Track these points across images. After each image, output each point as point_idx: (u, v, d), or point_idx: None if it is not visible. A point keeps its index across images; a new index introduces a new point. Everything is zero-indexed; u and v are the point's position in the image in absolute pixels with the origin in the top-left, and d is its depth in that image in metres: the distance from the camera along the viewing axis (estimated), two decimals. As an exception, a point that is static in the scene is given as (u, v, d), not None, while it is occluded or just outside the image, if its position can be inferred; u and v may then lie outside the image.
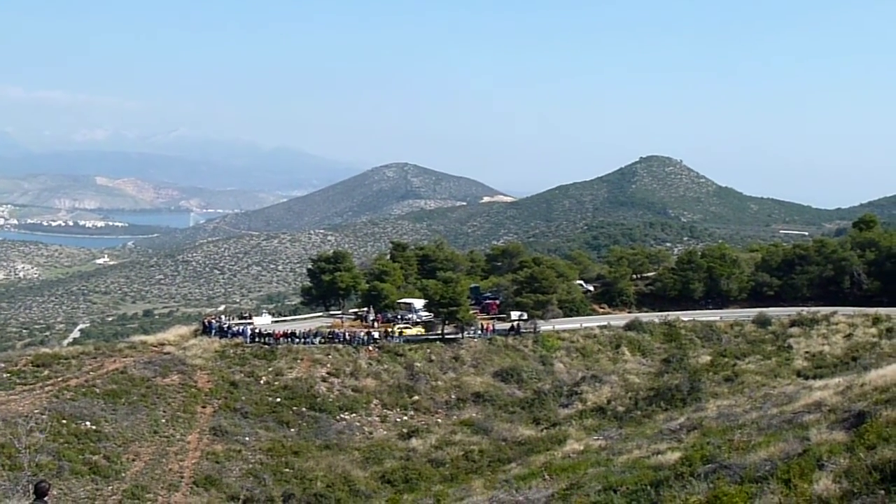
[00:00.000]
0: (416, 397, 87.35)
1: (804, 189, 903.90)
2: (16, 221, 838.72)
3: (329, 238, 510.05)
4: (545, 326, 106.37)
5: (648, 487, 39.12)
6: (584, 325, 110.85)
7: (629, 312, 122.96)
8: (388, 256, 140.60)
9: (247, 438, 72.70)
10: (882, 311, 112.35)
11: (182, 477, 63.53)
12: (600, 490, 41.51)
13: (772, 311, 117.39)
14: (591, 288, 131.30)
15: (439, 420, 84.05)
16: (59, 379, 74.57)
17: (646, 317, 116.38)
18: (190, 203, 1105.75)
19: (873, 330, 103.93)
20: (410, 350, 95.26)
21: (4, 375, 73.93)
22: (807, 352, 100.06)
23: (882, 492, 27.71)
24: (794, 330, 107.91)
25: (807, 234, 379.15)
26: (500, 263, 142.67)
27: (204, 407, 76.80)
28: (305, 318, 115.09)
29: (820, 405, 51.47)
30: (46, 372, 75.78)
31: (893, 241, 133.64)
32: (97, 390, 73.46)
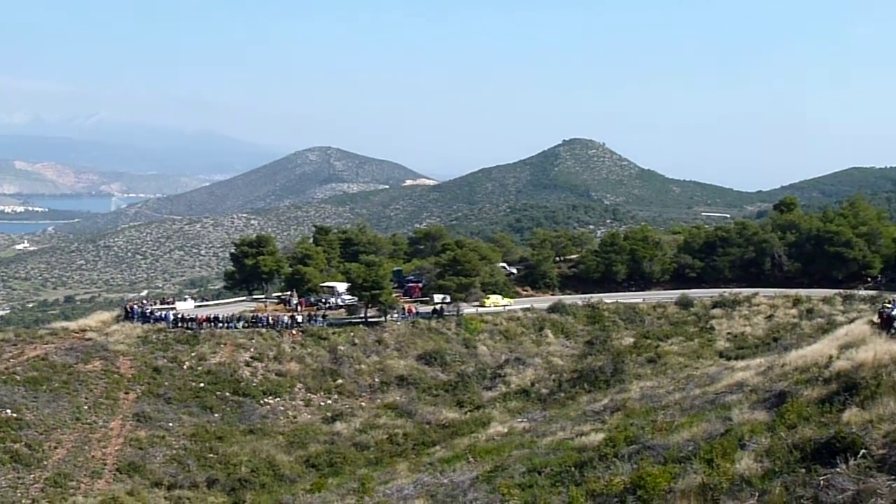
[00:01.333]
0: (340, 381, 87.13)
1: (725, 172, 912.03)
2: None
3: (252, 222, 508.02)
4: (468, 309, 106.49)
5: (573, 468, 39.36)
6: (508, 307, 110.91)
7: (552, 295, 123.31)
8: (311, 240, 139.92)
9: (170, 424, 72.16)
10: (802, 292, 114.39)
11: (105, 464, 62.95)
12: (525, 472, 41.67)
13: (694, 293, 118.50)
14: (514, 270, 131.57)
15: (363, 403, 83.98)
16: (-22, 367, 73.55)
17: (569, 299, 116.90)
18: (111, 188, 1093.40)
19: (794, 311, 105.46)
20: (334, 334, 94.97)
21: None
22: (729, 333, 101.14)
23: (803, 470, 28.04)
24: (716, 311, 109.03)
25: (728, 216, 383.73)
26: (422, 246, 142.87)
27: (127, 393, 76.03)
28: (228, 303, 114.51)
29: (742, 385, 52.02)
30: (-35, 360, 74.74)
31: (813, 222, 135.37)
32: (18, 378, 72.40)
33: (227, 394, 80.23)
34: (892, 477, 25.67)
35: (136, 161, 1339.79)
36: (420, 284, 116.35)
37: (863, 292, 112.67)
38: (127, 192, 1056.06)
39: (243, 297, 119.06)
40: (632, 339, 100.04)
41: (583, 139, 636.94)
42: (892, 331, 50.36)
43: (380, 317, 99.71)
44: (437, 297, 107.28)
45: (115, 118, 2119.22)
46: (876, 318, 58.36)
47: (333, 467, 65.19)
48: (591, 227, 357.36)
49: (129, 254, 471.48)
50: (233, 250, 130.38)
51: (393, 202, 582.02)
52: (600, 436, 46.75)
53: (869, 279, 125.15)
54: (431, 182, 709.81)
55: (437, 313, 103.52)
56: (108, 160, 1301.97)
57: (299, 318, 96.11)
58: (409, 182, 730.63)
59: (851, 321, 75.62)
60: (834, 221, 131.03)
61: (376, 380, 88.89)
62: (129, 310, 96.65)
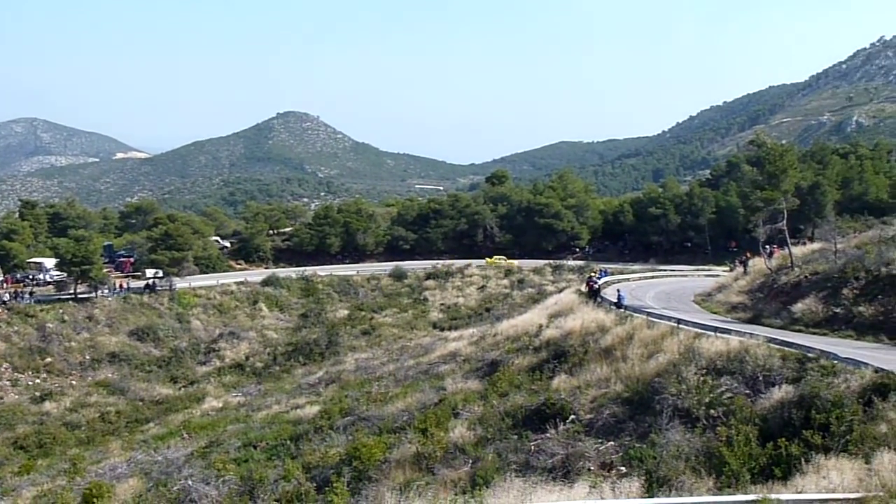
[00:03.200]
0: (49, 359, 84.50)
1: (439, 145, 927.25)
2: None
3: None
4: (181, 283, 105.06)
5: (288, 442, 39.47)
6: (221, 281, 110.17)
7: (266, 268, 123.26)
8: (17, 215, 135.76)
9: None
10: (514, 262, 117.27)
11: None
12: (240, 446, 41.53)
13: (407, 265, 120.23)
14: (228, 244, 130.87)
15: (74, 382, 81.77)
16: None
17: (283, 272, 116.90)
18: None
19: (505, 281, 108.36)
20: (42, 311, 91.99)
21: None
22: (442, 304, 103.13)
23: (515, 437, 28.81)
24: (430, 283, 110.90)
25: (442, 188, 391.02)
26: (134, 221, 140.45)
27: None
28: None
29: (455, 355, 53.09)
30: None
31: (524, 195, 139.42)
32: None
33: (-74, 377, 76.94)
34: (599, 440, 26.67)
35: None
36: (132, 259, 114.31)
37: (571, 263, 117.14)
38: None
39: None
40: (346, 312, 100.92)
41: (297, 112, 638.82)
42: (599, 300, 52.21)
43: (90, 293, 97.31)
44: (150, 272, 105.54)
45: None
46: (584, 288, 60.40)
47: (43, 448, 63.52)
48: (305, 200, 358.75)
49: None
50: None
51: (103, 175, 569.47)
52: (315, 408, 46.99)
53: (577, 250, 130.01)
54: (143, 155, 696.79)
55: (150, 288, 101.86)
56: None
57: (5, 296, 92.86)
58: (120, 155, 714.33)
59: (561, 291, 78.17)
60: (544, 194, 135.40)
61: (87, 357, 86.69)
62: None
